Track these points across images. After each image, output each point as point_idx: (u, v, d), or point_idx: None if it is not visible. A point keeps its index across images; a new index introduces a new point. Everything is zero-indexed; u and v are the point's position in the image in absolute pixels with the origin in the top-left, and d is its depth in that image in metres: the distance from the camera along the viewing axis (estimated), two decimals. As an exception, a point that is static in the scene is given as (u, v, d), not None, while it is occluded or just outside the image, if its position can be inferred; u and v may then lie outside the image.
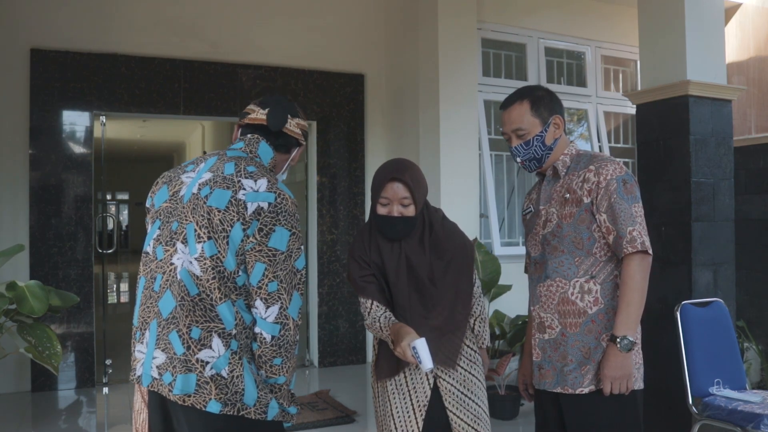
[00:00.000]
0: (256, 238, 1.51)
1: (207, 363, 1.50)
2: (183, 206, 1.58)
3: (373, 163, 5.77)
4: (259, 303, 1.52)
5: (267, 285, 1.51)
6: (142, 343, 1.62)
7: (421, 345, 1.82)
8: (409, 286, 2.08)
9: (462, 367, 2.17)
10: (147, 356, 1.59)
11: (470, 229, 2.37)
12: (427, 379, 2.12)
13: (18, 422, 4.10)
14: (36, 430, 3.97)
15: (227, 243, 1.51)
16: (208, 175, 1.59)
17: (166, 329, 1.55)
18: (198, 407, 1.50)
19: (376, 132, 5.82)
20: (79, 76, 4.86)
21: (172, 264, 1.57)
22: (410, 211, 2.05)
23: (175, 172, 1.69)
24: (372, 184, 2.11)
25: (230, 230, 1.50)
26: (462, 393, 2.14)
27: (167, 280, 1.57)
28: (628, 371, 1.88)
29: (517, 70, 5.82)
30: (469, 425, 2.12)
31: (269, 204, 1.52)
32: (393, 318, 2.04)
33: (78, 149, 4.90)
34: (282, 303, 1.52)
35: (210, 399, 1.49)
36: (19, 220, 4.73)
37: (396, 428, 2.12)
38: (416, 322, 2.07)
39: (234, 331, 1.52)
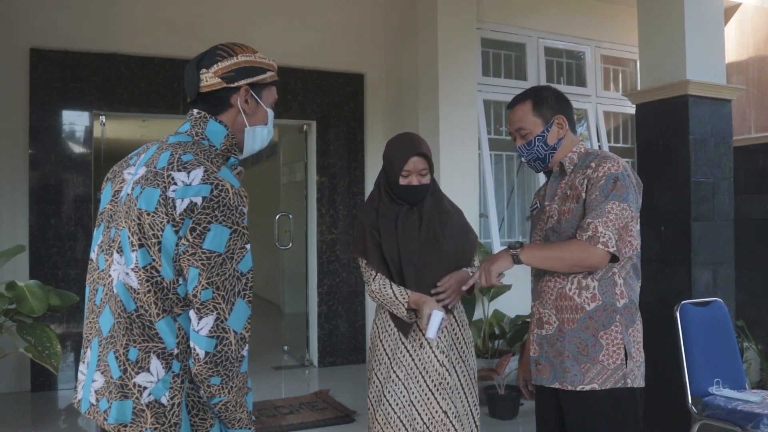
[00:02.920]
0: (188, 240, 1.29)
1: (145, 388, 1.32)
2: (119, 209, 1.41)
3: (372, 163, 5.77)
4: (192, 314, 1.31)
5: (200, 293, 1.29)
6: (83, 362, 1.46)
7: (438, 316, 2.07)
8: (420, 232, 2.28)
9: (450, 355, 2.27)
10: (87, 378, 1.43)
11: (470, 229, 2.51)
12: (436, 357, 2.24)
13: (18, 422, 4.10)
14: (36, 430, 3.97)
15: (159, 250, 1.31)
16: (142, 171, 1.39)
17: (105, 349, 1.38)
18: None
19: (376, 132, 5.82)
20: (78, 76, 4.86)
21: (110, 276, 1.39)
22: (427, 179, 2.30)
23: (120, 167, 1.49)
24: (390, 157, 2.31)
25: (161, 235, 1.30)
26: (446, 382, 2.24)
27: (107, 294, 1.40)
28: (494, 267, 1.96)
29: (516, 69, 5.82)
30: (445, 414, 2.23)
31: (203, 198, 1.29)
32: (405, 289, 2.24)
33: (78, 149, 4.90)
34: (218, 314, 1.29)
35: (146, 429, 1.32)
36: (19, 220, 4.73)
37: (420, 414, 2.22)
38: (429, 257, 2.26)
39: (176, 351, 1.33)
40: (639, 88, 3.71)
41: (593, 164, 1.96)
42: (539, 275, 2.08)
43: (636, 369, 1.95)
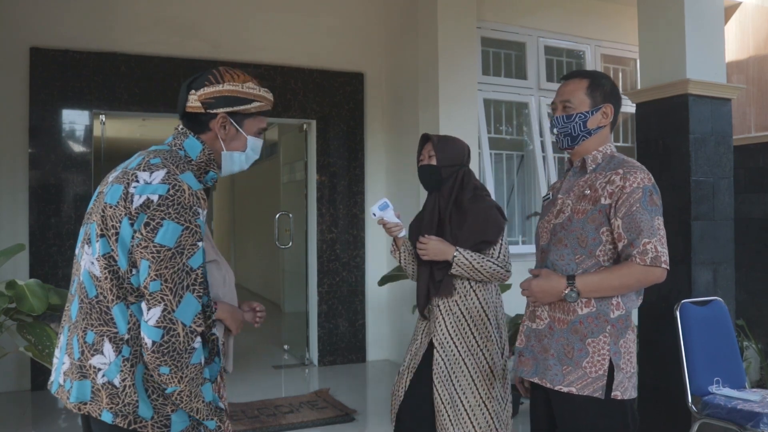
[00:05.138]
0: (142, 233, 1.37)
1: (99, 369, 1.41)
2: (95, 206, 1.51)
3: (372, 162, 5.78)
4: (143, 305, 1.38)
5: (149, 284, 1.36)
6: (58, 347, 1.56)
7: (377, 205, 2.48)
8: (432, 222, 2.52)
9: (456, 347, 2.40)
10: (58, 361, 1.53)
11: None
12: (423, 346, 2.50)
13: (18, 421, 4.10)
14: (36, 430, 3.97)
15: (117, 241, 1.40)
16: (118, 172, 1.51)
17: (72, 333, 1.49)
18: (94, 415, 1.42)
19: (376, 131, 5.82)
20: (78, 75, 4.86)
21: (80, 266, 1.51)
22: (432, 160, 2.51)
23: (110, 173, 1.58)
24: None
25: (119, 227, 1.39)
26: (446, 372, 2.38)
27: (78, 283, 1.51)
28: (548, 299, 1.97)
29: (516, 69, 5.82)
30: (443, 404, 2.35)
31: (160, 196, 1.38)
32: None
33: (78, 148, 4.90)
34: (166, 305, 1.36)
35: (103, 408, 1.40)
36: (19, 219, 4.73)
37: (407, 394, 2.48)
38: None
39: (127, 336, 1.40)
40: (639, 87, 3.71)
41: (620, 171, 1.91)
42: (540, 268, 2.06)
43: (626, 380, 1.90)
